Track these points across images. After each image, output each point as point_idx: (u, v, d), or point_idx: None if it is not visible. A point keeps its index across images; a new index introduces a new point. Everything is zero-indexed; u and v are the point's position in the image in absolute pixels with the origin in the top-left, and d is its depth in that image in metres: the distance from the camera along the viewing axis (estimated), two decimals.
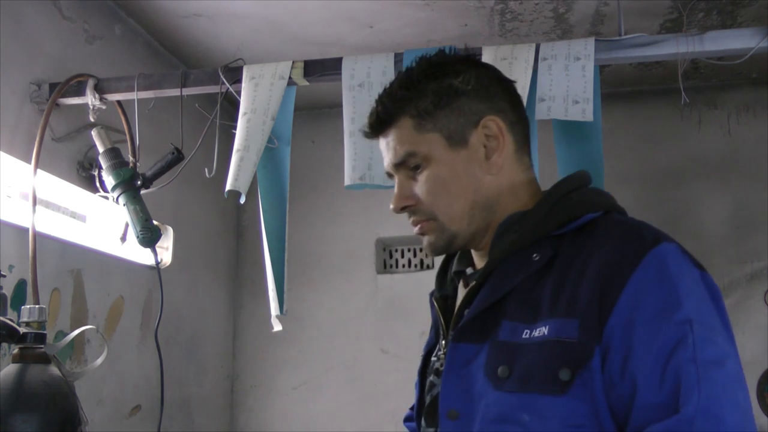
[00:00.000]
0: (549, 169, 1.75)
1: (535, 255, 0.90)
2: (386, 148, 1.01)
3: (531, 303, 0.88)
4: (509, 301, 0.90)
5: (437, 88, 0.98)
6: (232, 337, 2.87)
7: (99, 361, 1.41)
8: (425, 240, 1.01)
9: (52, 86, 1.77)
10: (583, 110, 1.50)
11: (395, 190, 1.01)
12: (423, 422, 1.02)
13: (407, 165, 0.99)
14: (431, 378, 1.01)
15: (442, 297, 1.06)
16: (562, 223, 0.91)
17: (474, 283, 0.95)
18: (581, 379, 0.80)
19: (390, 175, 1.04)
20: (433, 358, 1.04)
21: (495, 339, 0.88)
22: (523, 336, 0.86)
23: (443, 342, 1.00)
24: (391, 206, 1.01)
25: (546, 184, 1.04)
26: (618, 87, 2.72)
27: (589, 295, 0.82)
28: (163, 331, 1.85)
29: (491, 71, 1.04)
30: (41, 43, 1.80)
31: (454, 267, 1.06)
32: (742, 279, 2.57)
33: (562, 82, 1.53)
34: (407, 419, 1.21)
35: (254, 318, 2.85)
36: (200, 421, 2.55)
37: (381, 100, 1.01)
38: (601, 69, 1.68)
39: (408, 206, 1.00)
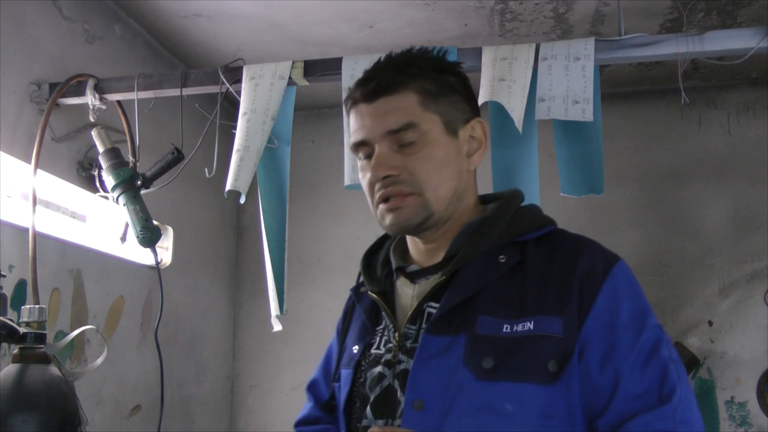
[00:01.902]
0: (549, 169, 1.75)
1: (501, 257, 0.97)
2: (378, 114, 1.00)
3: (507, 300, 0.95)
4: (480, 298, 0.95)
5: (440, 78, 1.03)
6: (232, 337, 2.87)
7: (99, 361, 1.41)
8: (397, 214, 0.99)
9: (52, 86, 1.77)
10: (583, 110, 1.50)
11: (375, 158, 0.99)
12: (368, 414, 0.98)
13: (399, 136, 0.99)
14: (378, 369, 0.99)
15: (380, 292, 1.07)
16: (524, 231, 1.01)
17: (443, 279, 0.98)
18: (566, 372, 0.90)
19: (361, 145, 1.02)
20: (376, 351, 1.02)
21: (473, 332, 0.93)
22: (504, 330, 0.92)
23: (395, 334, 1.00)
24: (369, 174, 0.99)
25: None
26: (618, 87, 2.72)
27: (569, 297, 0.93)
28: (163, 331, 1.85)
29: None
30: (41, 43, 1.80)
31: (395, 263, 1.09)
32: (742, 279, 2.57)
33: (562, 82, 1.53)
34: (306, 422, 1.16)
35: (254, 318, 2.85)
36: (200, 421, 2.55)
37: (384, 67, 1.02)
38: (601, 69, 1.67)
39: (390, 176, 0.99)
